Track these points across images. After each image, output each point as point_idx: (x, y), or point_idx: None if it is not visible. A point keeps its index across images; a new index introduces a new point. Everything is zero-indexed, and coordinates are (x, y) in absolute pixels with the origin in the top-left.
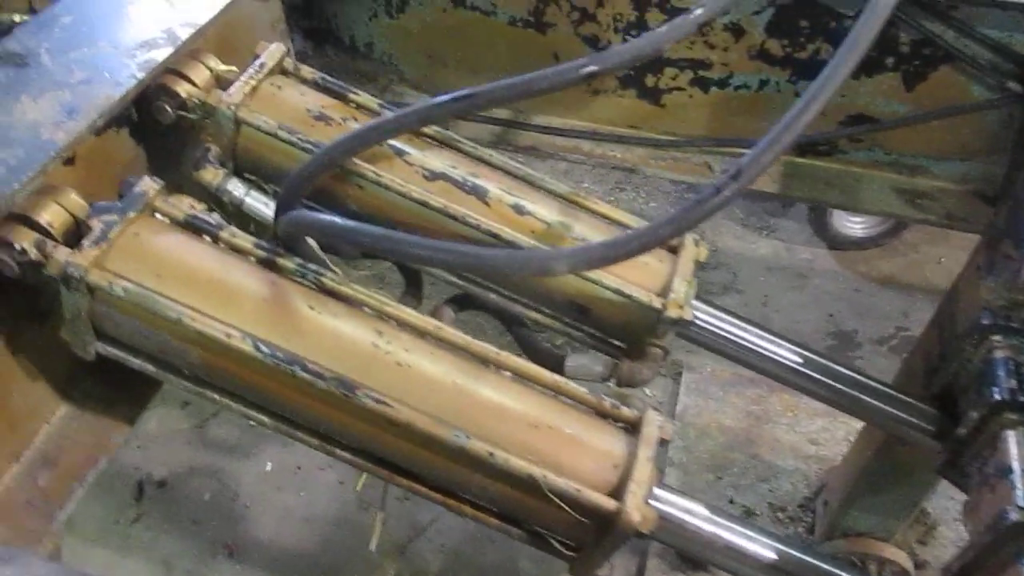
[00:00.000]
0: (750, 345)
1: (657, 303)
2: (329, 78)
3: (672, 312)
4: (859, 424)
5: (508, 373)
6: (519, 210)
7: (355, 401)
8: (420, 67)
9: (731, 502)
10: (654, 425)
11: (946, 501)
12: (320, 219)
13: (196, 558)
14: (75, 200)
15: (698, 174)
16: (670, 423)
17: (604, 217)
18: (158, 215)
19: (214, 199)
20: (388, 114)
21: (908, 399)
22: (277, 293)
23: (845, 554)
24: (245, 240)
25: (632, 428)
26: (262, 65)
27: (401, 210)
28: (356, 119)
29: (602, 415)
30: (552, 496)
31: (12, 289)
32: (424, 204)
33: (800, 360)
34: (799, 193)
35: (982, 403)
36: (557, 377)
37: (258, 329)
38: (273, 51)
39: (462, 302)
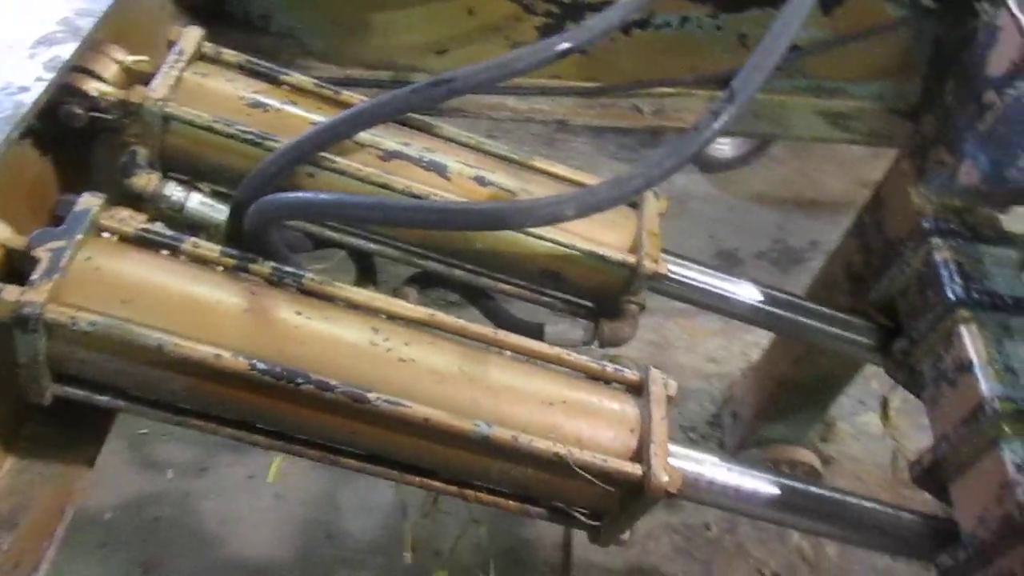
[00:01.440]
0: (717, 291)
1: (631, 260)
2: (255, 60)
3: (648, 267)
4: (752, 338)
5: (508, 352)
6: (481, 181)
7: (367, 407)
8: (326, 37)
9: None
10: (659, 384)
11: (840, 397)
12: (298, 198)
13: None
14: (5, 231)
15: (629, 119)
16: (672, 381)
17: (562, 178)
18: (105, 234)
19: (150, 206)
20: (362, 104)
21: (852, 318)
22: (259, 303)
23: (759, 462)
24: (210, 249)
25: (637, 389)
26: (181, 52)
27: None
28: (295, 103)
29: (607, 381)
30: (580, 471)
31: None
32: (386, 186)
33: (762, 298)
34: (732, 127)
35: (935, 304)
36: (557, 349)
37: (248, 345)
38: (190, 36)
39: (424, 281)
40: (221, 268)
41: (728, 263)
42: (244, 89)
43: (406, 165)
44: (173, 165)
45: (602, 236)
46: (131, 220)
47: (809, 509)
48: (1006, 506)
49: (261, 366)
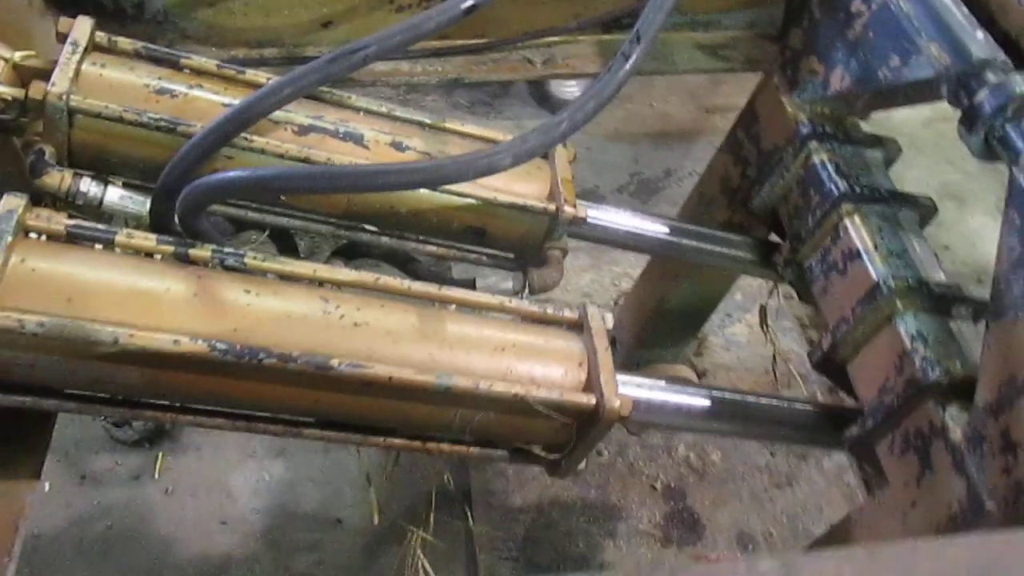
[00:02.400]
0: (631, 229)
1: (552, 207)
2: (152, 46)
3: (568, 212)
4: (620, 269)
5: (453, 306)
6: (398, 147)
7: (331, 374)
8: (204, 20)
9: None
10: (597, 318)
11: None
12: (234, 176)
13: None
14: None
15: (522, 71)
16: (608, 314)
17: (476, 137)
18: (32, 235)
19: (66, 204)
20: (281, 78)
21: (745, 237)
22: (207, 286)
23: None
24: (146, 239)
25: (577, 326)
26: (75, 44)
27: None
28: (201, 85)
29: (548, 322)
30: (540, 408)
31: None
32: (307, 160)
33: (668, 230)
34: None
35: (819, 202)
36: (499, 297)
37: (203, 329)
38: (82, 26)
39: (349, 252)
40: (160, 256)
41: (590, 199)
42: (146, 76)
43: (323, 138)
44: (81, 161)
45: (520, 188)
46: (58, 218)
47: (737, 414)
48: (906, 372)
49: (221, 347)
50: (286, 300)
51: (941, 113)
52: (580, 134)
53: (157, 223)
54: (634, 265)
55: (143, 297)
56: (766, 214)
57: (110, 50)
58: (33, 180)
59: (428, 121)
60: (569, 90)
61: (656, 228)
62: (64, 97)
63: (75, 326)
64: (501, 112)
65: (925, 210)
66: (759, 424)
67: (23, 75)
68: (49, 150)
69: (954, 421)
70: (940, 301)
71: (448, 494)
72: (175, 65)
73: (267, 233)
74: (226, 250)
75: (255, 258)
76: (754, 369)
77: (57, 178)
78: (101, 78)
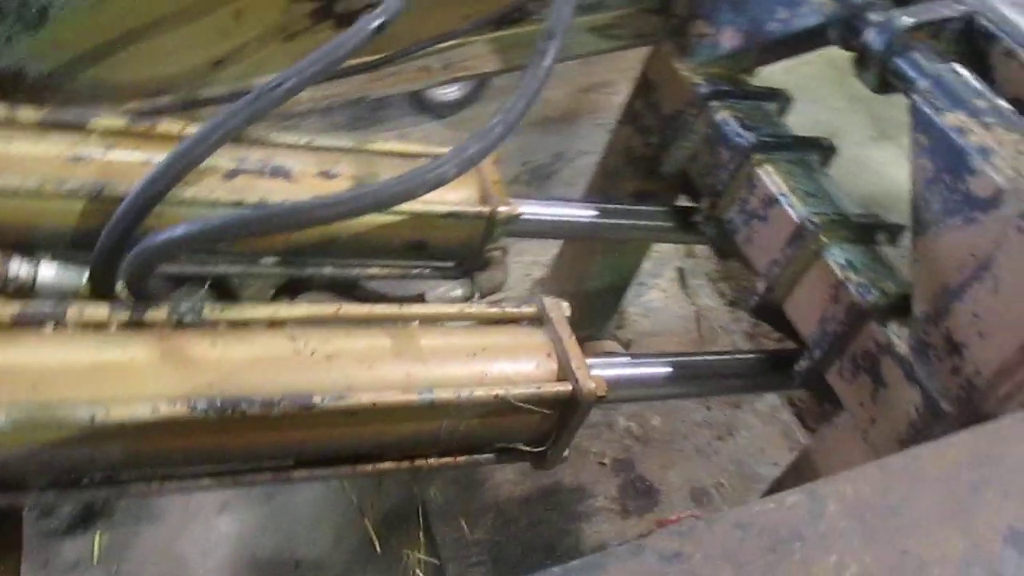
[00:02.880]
0: (562, 218)
1: (487, 210)
2: (55, 112)
3: (504, 212)
4: (530, 258)
5: (416, 322)
6: (328, 175)
7: (315, 411)
8: (89, 77)
9: None
10: (556, 308)
11: None
12: (182, 231)
13: None
14: None
15: (423, 79)
16: (564, 302)
17: (399, 154)
18: None
19: None
20: (206, 124)
21: (659, 208)
22: (173, 346)
23: None
24: (98, 310)
25: (538, 320)
26: None
27: None
28: (115, 145)
29: (509, 320)
30: (521, 404)
31: None
32: (240, 203)
33: (596, 212)
34: (520, 61)
35: (729, 156)
36: (458, 305)
37: (178, 390)
38: None
39: (293, 289)
40: (115, 326)
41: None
42: (57, 145)
43: (251, 179)
44: (4, 241)
45: (453, 196)
46: (0, 308)
47: (698, 375)
48: (843, 300)
49: (202, 405)
50: (254, 345)
51: (799, 58)
52: (461, 133)
53: (99, 290)
54: (542, 253)
55: (110, 370)
56: (676, 177)
57: (11, 123)
58: None
59: (349, 145)
60: (445, 93)
61: (586, 213)
62: None
63: (47, 412)
64: (382, 123)
65: (826, 151)
66: (717, 380)
67: None
68: None
69: (898, 336)
70: (861, 231)
71: (402, 512)
72: (82, 128)
73: (208, 285)
74: (181, 307)
75: (212, 310)
76: (675, 331)
77: None
78: (9, 154)
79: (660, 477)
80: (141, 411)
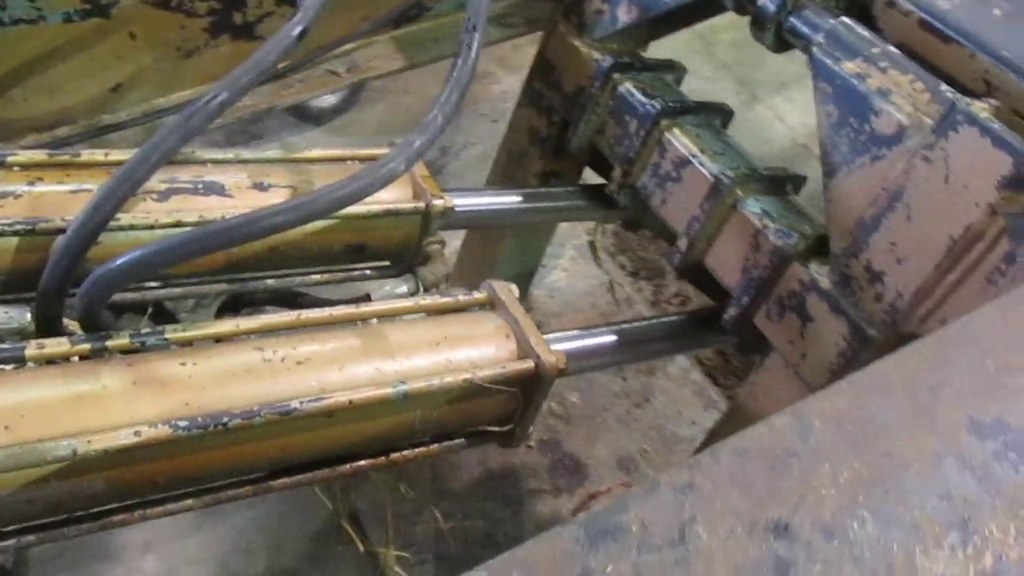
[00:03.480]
0: (493, 207)
1: (422, 205)
2: None
3: (438, 206)
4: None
5: (375, 320)
6: (261, 187)
7: (295, 415)
8: None
9: None
10: (506, 290)
11: None
12: (132, 259)
13: None
14: None
15: (330, 84)
16: (512, 285)
17: (326, 160)
18: None
19: None
20: (146, 145)
21: (576, 188)
22: (142, 371)
23: None
24: (56, 345)
25: (489, 303)
26: None
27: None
28: (40, 179)
29: (462, 308)
30: (489, 385)
31: None
32: (179, 223)
33: (521, 198)
34: (423, 57)
35: (637, 125)
36: (414, 299)
37: (155, 413)
38: None
39: (234, 305)
40: (77, 358)
41: None
42: None
43: (185, 198)
44: None
45: (386, 195)
46: None
47: (641, 339)
48: (764, 247)
49: (183, 424)
50: (223, 359)
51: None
52: (347, 137)
53: (45, 327)
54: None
55: (84, 401)
56: (585, 152)
57: None
58: None
59: (277, 156)
60: (323, 100)
61: (513, 200)
62: None
63: (27, 451)
64: (262, 137)
65: (726, 114)
66: (658, 342)
67: None
68: None
69: (820, 274)
70: (772, 183)
71: (335, 522)
72: (3, 165)
73: (150, 312)
74: (143, 332)
75: (175, 331)
76: (581, 308)
77: None
78: None
79: (586, 452)
80: (122, 438)
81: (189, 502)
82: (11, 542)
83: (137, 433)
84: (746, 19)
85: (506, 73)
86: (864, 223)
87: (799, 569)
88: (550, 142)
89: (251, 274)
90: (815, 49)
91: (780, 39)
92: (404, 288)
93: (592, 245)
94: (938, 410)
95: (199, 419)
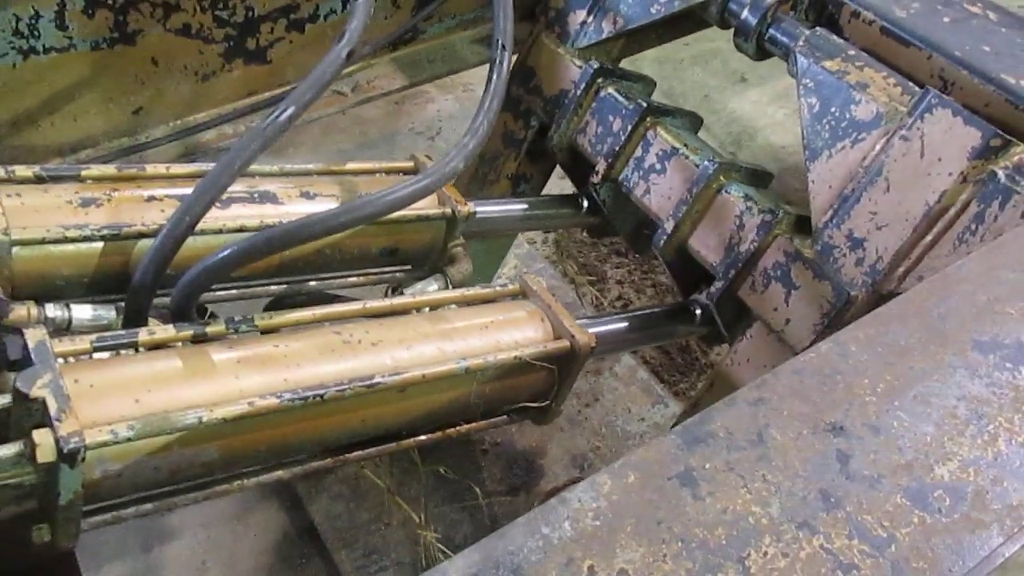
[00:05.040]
0: (504, 214)
1: (448, 211)
2: (45, 167)
3: (463, 211)
4: None
5: (427, 308)
6: (308, 196)
7: (377, 388)
8: (7, 139)
9: None
10: (535, 281)
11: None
12: (225, 255)
13: None
14: None
15: (338, 103)
16: (539, 277)
17: (364, 172)
18: (60, 360)
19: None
20: (228, 154)
21: (560, 198)
22: (243, 352)
23: None
24: (164, 332)
25: (521, 293)
26: None
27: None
28: (116, 190)
29: (499, 298)
30: (535, 362)
31: None
32: (243, 228)
33: (525, 206)
34: (421, 76)
35: (621, 121)
36: (459, 290)
37: (259, 387)
38: None
39: (277, 306)
40: (181, 343)
41: None
42: (62, 194)
43: (244, 206)
44: (22, 291)
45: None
46: (80, 339)
47: (643, 327)
48: (749, 225)
49: (287, 395)
50: (310, 341)
51: None
52: (285, 159)
53: (132, 321)
54: None
55: (198, 377)
56: (564, 151)
57: (12, 180)
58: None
59: (316, 168)
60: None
61: (517, 208)
62: (7, 232)
63: (161, 419)
64: (206, 153)
65: (696, 120)
66: (655, 328)
67: None
68: None
69: (803, 247)
70: (751, 175)
71: (290, 537)
72: (77, 178)
73: (209, 313)
74: (236, 319)
75: (262, 318)
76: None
77: (24, 311)
78: (24, 207)
79: (540, 451)
80: (239, 407)
81: (279, 473)
82: (131, 510)
83: (250, 403)
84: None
85: (441, 93)
86: (846, 197)
87: (856, 458)
88: (524, 145)
89: (297, 277)
90: (798, 50)
91: (761, 48)
92: (435, 286)
93: (558, 243)
94: (946, 333)
95: (300, 391)
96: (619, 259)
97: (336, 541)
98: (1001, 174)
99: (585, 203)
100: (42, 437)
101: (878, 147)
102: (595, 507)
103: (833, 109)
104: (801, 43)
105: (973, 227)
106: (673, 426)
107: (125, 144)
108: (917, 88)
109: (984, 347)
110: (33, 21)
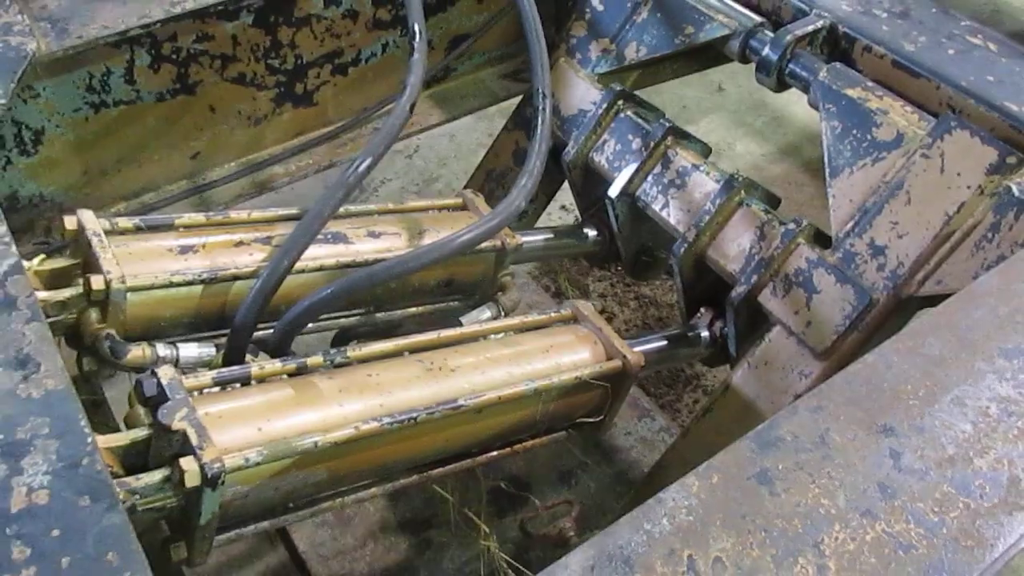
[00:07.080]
0: (541, 244)
1: (498, 243)
2: (143, 217)
3: (511, 243)
4: None
5: (492, 336)
6: (374, 235)
7: (461, 410)
8: (79, 188)
9: None
10: (586, 306)
11: None
12: (329, 292)
13: None
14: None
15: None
16: (588, 302)
17: (419, 210)
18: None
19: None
20: (316, 204)
21: (579, 228)
22: (343, 382)
23: None
24: (272, 365)
25: (573, 319)
26: (97, 235)
27: (302, 286)
28: (209, 234)
29: (553, 323)
30: (594, 381)
31: None
32: (322, 268)
33: (552, 235)
34: (456, 111)
35: (642, 142)
36: (518, 318)
37: (358, 413)
38: (89, 218)
39: (345, 339)
40: (286, 375)
41: None
42: (162, 242)
43: (319, 247)
44: (133, 334)
45: None
46: (203, 374)
47: (675, 347)
48: (770, 234)
49: (387, 420)
50: (398, 370)
51: None
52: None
53: (232, 358)
54: None
55: (306, 406)
56: (578, 167)
57: (116, 231)
58: (117, 362)
59: (375, 208)
60: None
61: (545, 237)
62: (123, 280)
63: (283, 444)
64: None
65: (706, 148)
66: (686, 348)
67: (49, 278)
68: (112, 332)
69: (825, 254)
70: (767, 194)
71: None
72: (171, 226)
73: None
74: (331, 352)
75: (354, 350)
76: None
77: (140, 352)
78: (132, 255)
79: (527, 471)
80: (347, 432)
81: (374, 490)
82: (251, 527)
83: (356, 427)
84: None
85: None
86: (867, 209)
87: (906, 455)
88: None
89: (364, 310)
90: (822, 79)
91: (781, 81)
92: (488, 314)
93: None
94: (975, 342)
95: (396, 415)
96: (601, 272)
97: (321, 567)
98: (1015, 188)
99: (590, 233)
100: (188, 464)
101: (899, 164)
102: (687, 505)
103: (855, 131)
104: (823, 74)
105: (989, 236)
106: (685, 428)
107: (184, 187)
108: (931, 116)
109: (1009, 354)
110: (105, 78)
